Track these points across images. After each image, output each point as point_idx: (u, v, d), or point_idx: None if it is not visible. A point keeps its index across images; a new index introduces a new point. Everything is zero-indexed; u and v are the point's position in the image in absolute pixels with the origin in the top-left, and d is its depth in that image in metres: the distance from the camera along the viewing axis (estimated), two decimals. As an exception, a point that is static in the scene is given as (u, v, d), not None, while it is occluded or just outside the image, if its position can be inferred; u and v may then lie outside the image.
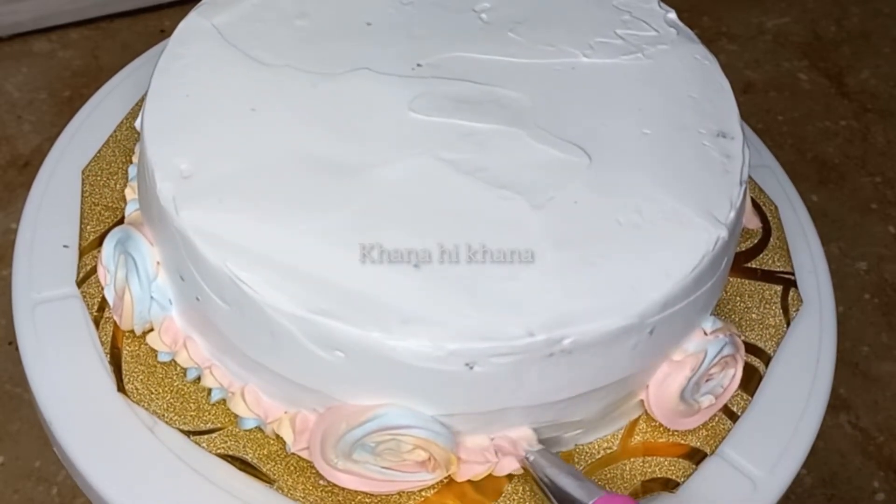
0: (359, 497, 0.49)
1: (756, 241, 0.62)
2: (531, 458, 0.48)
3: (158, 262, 0.51)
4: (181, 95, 0.52)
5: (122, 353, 0.53)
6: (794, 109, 1.25)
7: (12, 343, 0.95)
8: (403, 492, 0.49)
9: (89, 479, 0.50)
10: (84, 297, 0.56)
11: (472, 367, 0.44)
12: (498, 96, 0.54)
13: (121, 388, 0.52)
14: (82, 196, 0.59)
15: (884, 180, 1.19)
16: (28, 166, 1.10)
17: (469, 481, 0.50)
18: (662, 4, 0.60)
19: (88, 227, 0.58)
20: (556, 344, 0.45)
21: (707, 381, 0.52)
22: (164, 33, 1.22)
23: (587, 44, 0.57)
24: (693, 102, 0.55)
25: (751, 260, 0.61)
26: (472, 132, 0.52)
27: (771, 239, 0.62)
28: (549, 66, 0.55)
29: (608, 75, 0.55)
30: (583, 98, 0.54)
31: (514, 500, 0.50)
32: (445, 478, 0.49)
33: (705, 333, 0.51)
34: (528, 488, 0.50)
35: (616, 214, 0.49)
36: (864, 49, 1.33)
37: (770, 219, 0.63)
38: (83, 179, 0.60)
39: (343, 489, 0.49)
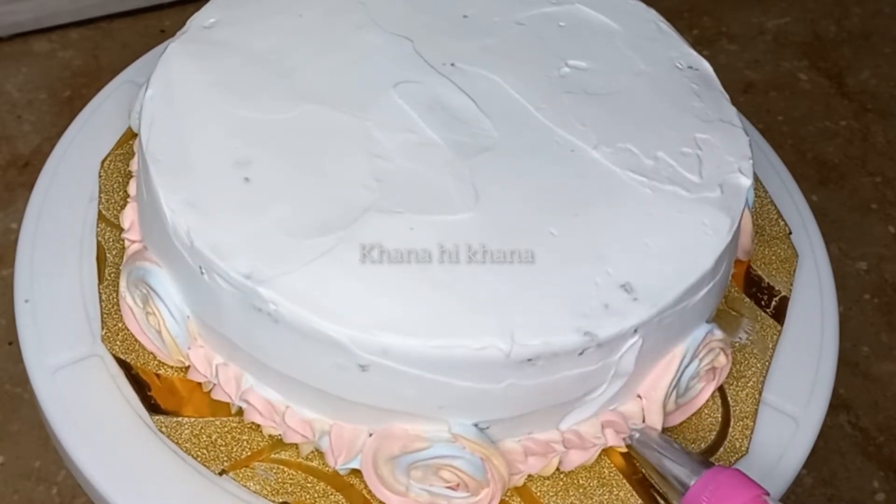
0: None
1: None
2: (636, 435, 0.49)
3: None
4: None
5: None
6: (794, 109, 1.25)
7: (12, 343, 0.95)
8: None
9: (90, 478, 0.50)
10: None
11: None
12: (479, 128, 0.53)
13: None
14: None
15: (884, 180, 1.18)
16: (28, 166, 1.10)
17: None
18: (746, 167, 0.53)
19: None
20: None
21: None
22: (165, 33, 1.22)
23: (619, 146, 0.53)
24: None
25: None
26: (427, 142, 0.52)
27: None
28: (556, 139, 0.53)
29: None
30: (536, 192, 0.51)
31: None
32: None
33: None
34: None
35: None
36: (864, 49, 1.33)
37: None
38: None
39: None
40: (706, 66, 0.58)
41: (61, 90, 1.17)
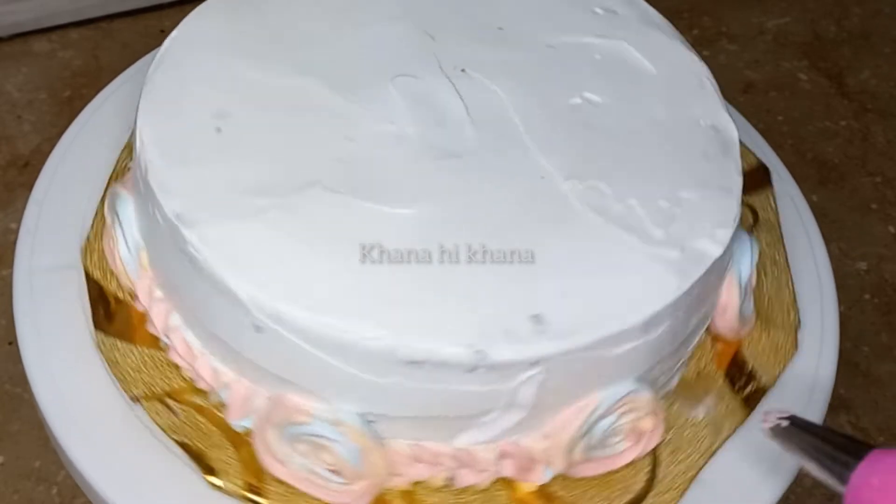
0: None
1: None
2: (783, 425, 0.45)
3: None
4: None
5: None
6: (794, 109, 1.25)
7: (12, 343, 0.95)
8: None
9: (89, 478, 0.50)
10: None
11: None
12: (459, 134, 0.53)
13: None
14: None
15: (884, 180, 1.18)
16: (28, 166, 1.10)
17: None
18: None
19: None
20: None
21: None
22: (164, 33, 1.21)
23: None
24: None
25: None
26: (402, 136, 0.52)
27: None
28: (530, 162, 0.52)
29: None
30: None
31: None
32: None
33: None
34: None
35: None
36: (864, 49, 1.33)
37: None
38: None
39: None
40: (731, 131, 0.55)
41: (61, 90, 1.17)
